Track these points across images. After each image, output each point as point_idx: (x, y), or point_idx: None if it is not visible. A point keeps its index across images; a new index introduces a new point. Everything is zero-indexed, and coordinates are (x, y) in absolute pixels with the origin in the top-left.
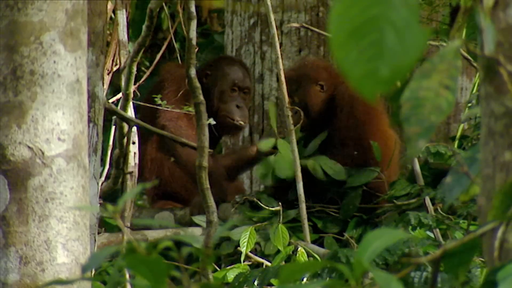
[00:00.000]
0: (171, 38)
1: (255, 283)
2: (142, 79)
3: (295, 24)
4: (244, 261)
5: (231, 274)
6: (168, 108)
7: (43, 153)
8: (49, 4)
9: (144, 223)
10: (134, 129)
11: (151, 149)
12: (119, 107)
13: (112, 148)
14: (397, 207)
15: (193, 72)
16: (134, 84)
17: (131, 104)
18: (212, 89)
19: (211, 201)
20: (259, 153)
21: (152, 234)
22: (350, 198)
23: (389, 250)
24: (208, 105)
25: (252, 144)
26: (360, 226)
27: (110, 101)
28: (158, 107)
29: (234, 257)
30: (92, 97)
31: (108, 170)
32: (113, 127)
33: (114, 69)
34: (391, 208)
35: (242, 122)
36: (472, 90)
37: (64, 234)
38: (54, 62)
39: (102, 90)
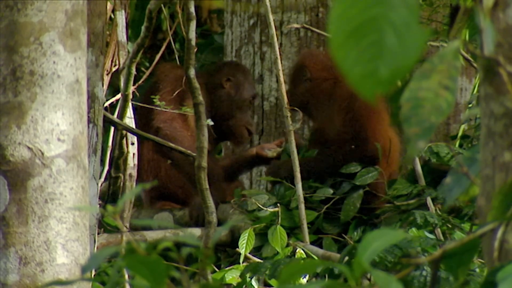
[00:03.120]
0: (170, 39)
1: (254, 279)
2: (141, 80)
3: (295, 25)
4: (242, 262)
5: (229, 275)
6: (163, 109)
7: (42, 153)
8: (48, 5)
9: (143, 224)
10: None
11: (148, 150)
12: (118, 108)
13: (112, 149)
14: (397, 207)
15: (192, 72)
16: (133, 84)
17: (130, 104)
18: (231, 94)
19: (211, 202)
20: (258, 155)
21: (151, 235)
22: (351, 199)
23: (399, 247)
24: (221, 108)
25: (251, 145)
26: (360, 227)
27: (109, 101)
28: (153, 108)
29: (233, 258)
30: (91, 97)
31: (107, 171)
32: (112, 128)
33: (113, 69)
34: (391, 209)
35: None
36: (472, 90)
37: (63, 234)
38: (54, 62)
39: (102, 90)
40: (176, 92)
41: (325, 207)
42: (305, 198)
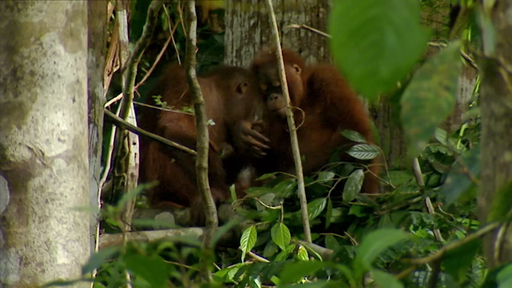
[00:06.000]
0: (171, 39)
1: (257, 278)
2: (142, 80)
3: (296, 25)
4: (244, 261)
5: (231, 274)
6: (168, 108)
7: (43, 154)
8: (49, 5)
9: (145, 224)
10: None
11: (154, 149)
12: (119, 108)
13: (113, 149)
14: (398, 202)
15: (193, 72)
16: (135, 85)
17: (131, 105)
18: (246, 100)
19: (211, 202)
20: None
21: (152, 235)
22: (352, 180)
23: (394, 249)
24: (234, 111)
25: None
26: (361, 222)
27: (110, 102)
28: (159, 107)
29: (234, 257)
30: (92, 98)
31: (108, 171)
32: (113, 128)
33: (115, 69)
34: (393, 204)
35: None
36: (473, 91)
37: (64, 235)
38: (54, 63)
39: (102, 90)
40: (184, 93)
41: (330, 190)
42: (310, 189)
